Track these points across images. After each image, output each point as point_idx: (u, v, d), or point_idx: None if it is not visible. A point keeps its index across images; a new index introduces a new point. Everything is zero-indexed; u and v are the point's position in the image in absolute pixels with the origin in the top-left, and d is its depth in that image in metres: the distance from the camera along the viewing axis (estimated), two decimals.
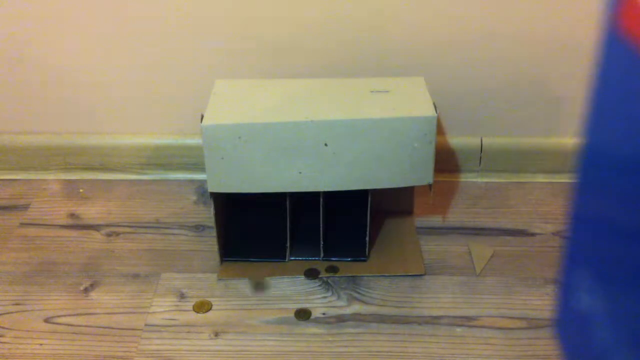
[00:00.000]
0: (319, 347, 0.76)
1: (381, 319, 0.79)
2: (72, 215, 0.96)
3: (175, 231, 0.93)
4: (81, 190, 1.01)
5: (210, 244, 0.89)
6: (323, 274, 0.85)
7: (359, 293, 0.82)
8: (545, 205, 0.97)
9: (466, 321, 0.79)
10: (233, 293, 0.83)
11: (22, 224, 0.94)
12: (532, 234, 0.91)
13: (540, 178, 1.02)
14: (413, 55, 0.93)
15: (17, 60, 0.96)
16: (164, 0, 0.91)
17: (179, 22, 0.92)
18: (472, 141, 1.00)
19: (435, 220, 0.94)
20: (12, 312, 0.80)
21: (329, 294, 0.82)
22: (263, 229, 0.90)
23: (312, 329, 0.78)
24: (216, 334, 0.77)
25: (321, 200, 0.82)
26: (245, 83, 0.87)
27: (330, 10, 0.91)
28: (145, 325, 0.79)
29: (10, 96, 0.99)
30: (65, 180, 1.03)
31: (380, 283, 0.84)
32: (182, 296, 0.82)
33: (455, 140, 1.00)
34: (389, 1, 0.90)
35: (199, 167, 1.01)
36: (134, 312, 0.80)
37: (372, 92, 0.83)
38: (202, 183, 1.01)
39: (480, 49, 0.93)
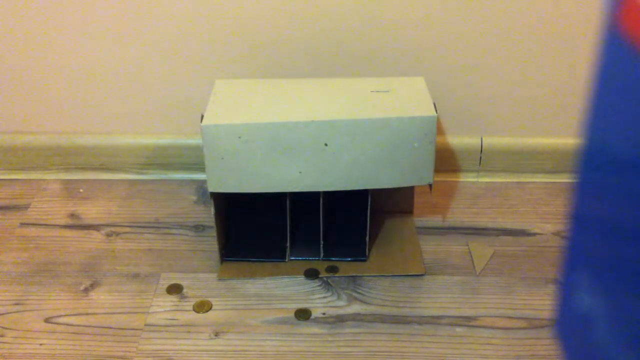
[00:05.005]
0: (319, 347, 0.76)
1: (381, 319, 0.79)
2: (72, 215, 0.96)
3: (175, 231, 0.93)
4: (81, 190, 1.01)
5: (210, 244, 0.89)
6: (323, 274, 0.85)
7: (359, 293, 0.82)
8: (545, 205, 0.97)
9: (466, 321, 0.79)
10: (233, 293, 0.83)
11: (22, 224, 0.94)
12: (532, 234, 0.91)
13: (540, 178, 1.02)
14: (413, 55, 0.93)
15: (16, 60, 0.96)
16: (164, 0, 0.91)
17: (179, 22, 0.92)
18: (472, 141, 1.00)
19: (435, 220, 0.94)
20: (12, 312, 0.80)
21: (329, 294, 0.82)
22: (263, 229, 0.90)
23: (312, 329, 0.78)
24: (216, 334, 0.77)
25: (321, 200, 0.82)
26: (245, 83, 0.87)
27: (330, 11, 0.91)
28: (145, 325, 0.79)
29: (10, 96, 0.99)
30: (65, 180, 1.03)
31: (380, 283, 0.84)
32: (182, 296, 0.82)
33: (455, 140, 1.00)
34: (390, 1, 0.90)
35: (199, 167, 1.01)
36: (134, 312, 0.80)
37: (372, 92, 0.83)
38: (202, 183, 1.01)
39: (480, 49, 0.93)
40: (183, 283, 0.84)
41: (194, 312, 0.80)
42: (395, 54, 0.93)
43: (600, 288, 0.31)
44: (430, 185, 0.82)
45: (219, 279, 0.84)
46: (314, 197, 0.82)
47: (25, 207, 0.97)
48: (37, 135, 1.02)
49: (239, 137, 0.77)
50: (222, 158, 0.78)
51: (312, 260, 0.87)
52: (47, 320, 0.79)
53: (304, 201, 0.86)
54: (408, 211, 0.94)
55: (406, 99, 0.81)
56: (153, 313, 0.80)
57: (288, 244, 0.87)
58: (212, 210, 0.82)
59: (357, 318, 0.79)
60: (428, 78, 0.89)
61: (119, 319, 0.79)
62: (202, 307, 0.81)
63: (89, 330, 0.78)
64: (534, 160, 1.01)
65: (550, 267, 0.86)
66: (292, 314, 0.80)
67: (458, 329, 0.78)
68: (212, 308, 0.81)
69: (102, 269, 0.86)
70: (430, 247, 0.89)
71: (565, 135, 0.99)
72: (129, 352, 0.75)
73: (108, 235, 0.92)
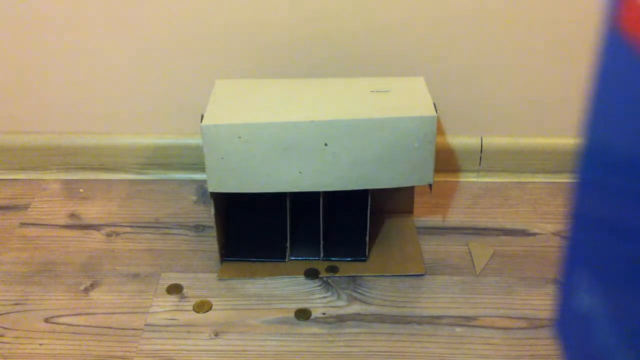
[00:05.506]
0: (319, 347, 0.76)
1: (381, 319, 0.79)
2: (72, 215, 0.96)
3: (175, 231, 0.93)
4: (81, 190, 1.01)
5: (210, 244, 0.89)
6: (323, 274, 0.85)
7: (359, 293, 0.82)
8: (545, 205, 0.97)
9: (466, 321, 0.79)
10: (233, 293, 0.83)
11: (22, 224, 0.94)
12: (532, 234, 0.91)
13: (540, 178, 1.02)
14: (413, 55, 0.93)
15: (16, 60, 0.96)
16: (165, 0, 0.91)
17: (179, 22, 0.92)
18: (472, 141, 1.00)
19: (435, 220, 0.94)
20: (12, 312, 0.80)
21: (329, 294, 0.82)
22: (263, 229, 0.90)
23: (312, 329, 0.78)
24: (216, 334, 0.77)
25: (321, 200, 0.82)
26: (245, 83, 0.87)
27: (330, 10, 0.91)
28: (145, 325, 0.79)
29: (10, 96, 0.99)
30: (65, 180, 1.03)
31: (380, 283, 0.84)
32: (182, 296, 0.82)
33: (455, 140, 1.00)
34: (390, 1, 0.90)
35: (199, 167, 1.01)
36: (134, 312, 0.80)
37: (372, 92, 0.83)
38: (202, 183, 1.01)
39: (480, 49, 0.93)
40: (183, 283, 0.84)
41: (194, 312, 0.80)
42: (395, 54, 0.93)
43: (600, 288, 0.31)
44: (430, 185, 0.82)
45: (219, 279, 0.84)
46: (314, 197, 0.82)
47: (25, 207, 0.98)
48: (37, 135, 1.02)
49: (239, 137, 0.77)
50: (222, 158, 0.78)
51: (312, 260, 0.87)
52: (47, 320, 0.79)
53: (304, 201, 0.86)
54: (408, 211, 0.94)
55: (406, 99, 0.81)
56: (153, 313, 0.80)
57: (288, 244, 0.87)
58: (212, 210, 0.82)
59: (357, 318, 0.79)
60: (428, 78, 0.89)
61: (119, 319, 0.79)
62: (202, 307, 0.81)
63: (89, 330, 0.78)
64: (534, 160, 1.01)
65: (550, 267, 0.86)
66: (292, 314, 0.80)
67: (458, 329, 0.78)
68: (212, 308, 0.81)
69: (102, 269, 0.86)
70: (430, 247, 0.89)
71: (565, 135, 0.99)
72: (129, 352, 0.75)
73: (108, 235, 0.92)
